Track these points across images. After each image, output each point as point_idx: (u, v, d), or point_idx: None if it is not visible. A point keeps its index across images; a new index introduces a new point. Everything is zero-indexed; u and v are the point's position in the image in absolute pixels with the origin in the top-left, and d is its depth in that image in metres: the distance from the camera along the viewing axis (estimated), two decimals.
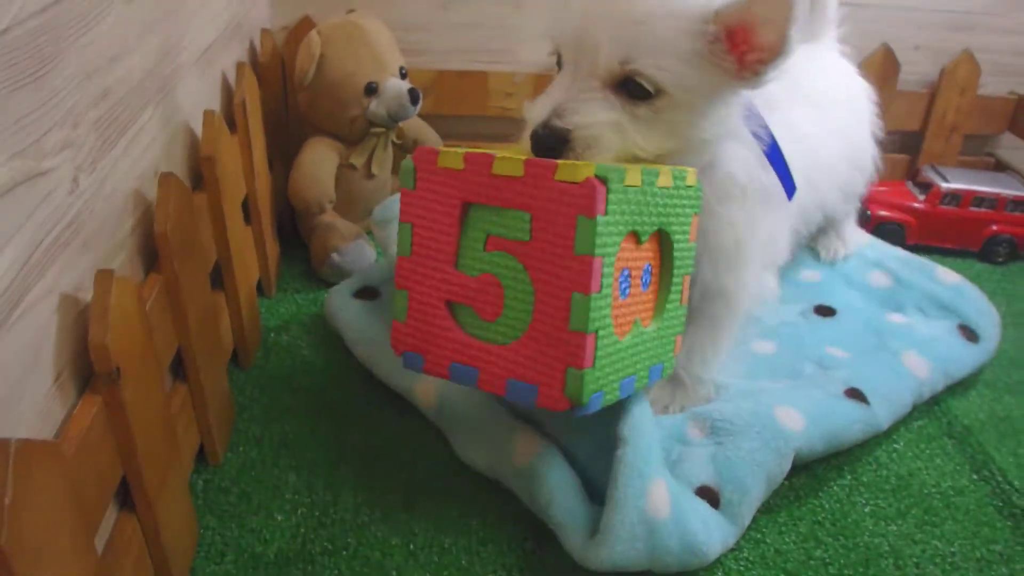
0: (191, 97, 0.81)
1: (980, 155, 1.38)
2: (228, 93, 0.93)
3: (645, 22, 0.61)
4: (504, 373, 0.61)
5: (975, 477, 0.82)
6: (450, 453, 0.77)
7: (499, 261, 0.61)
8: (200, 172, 0.79)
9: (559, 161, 0.58)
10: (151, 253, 0.67)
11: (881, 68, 1.24)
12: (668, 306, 0.67)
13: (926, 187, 1.23)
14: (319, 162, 1.01)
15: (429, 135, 1.15)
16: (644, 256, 0.64)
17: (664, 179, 0.63)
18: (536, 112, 0.65)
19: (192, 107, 0.81)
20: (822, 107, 0.87)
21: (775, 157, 0.74)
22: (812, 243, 1.10)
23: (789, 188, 0.75)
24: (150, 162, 0.69)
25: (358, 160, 1.05)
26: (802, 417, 0.76)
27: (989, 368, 0.98)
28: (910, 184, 1.26)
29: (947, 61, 1.27)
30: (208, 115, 0.79)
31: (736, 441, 0.73)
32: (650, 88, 0.63)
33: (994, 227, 1.21)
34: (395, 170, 1.16)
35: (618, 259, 0.60)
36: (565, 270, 0.57)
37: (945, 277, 1.04)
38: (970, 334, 0.96)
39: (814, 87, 0.86)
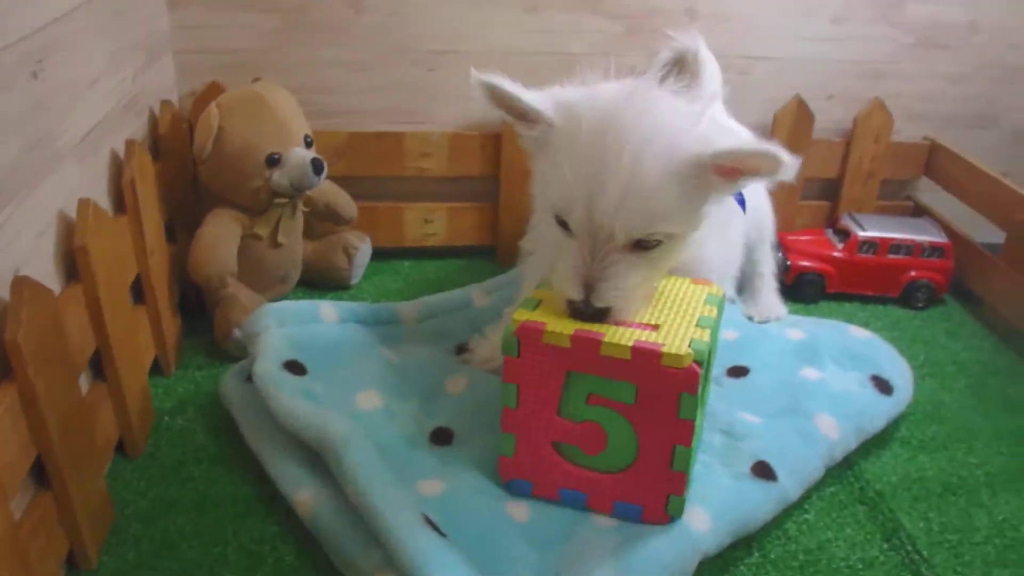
0: (68, 184, 0.77)
1: (900, 199, 1.39)
2: (119, 171, 0.90)
3: (650, 194, 0.66)
4: (611, 496, 0.74)
5: (886, 547, 0.80)
6: None
7: (601, 412, 0.71)
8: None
9: (662, 348, 0.67)
10: (4, 361, 0.63)
11: (795, 118, 1.24)
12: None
13: (845, 235, 1.23)
14: (219, 235, 0.98)
15: (341, 198, 1.13)
16: None
17: (711, 309, 0.74)
18: (567, 288, 0.71)
19: (70, 194, 0.78)
20: None
21: None
22: (739, 300, 1.13)
23: (742, 204, 0.90)
24: (11, 263, 0.66)
25: (263, 230, 1.02)
26: (708, 515, 0.74)
27: (904, 424, 0.97)
28: (829, 232, 1.26)
29: (860, 109, 1.28)
30: (83, 203, 0.76)
31: (643, 539, 0.71)
32: (663, 239, 0.70)
33: (912, 273, 1.21)
34: (307, 235, 1.14)
35: None
36: (669, 429, 0.69)
37: (857, 334, 1.04)
38: (884, 385, 0.95)
39: None
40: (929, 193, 1.37)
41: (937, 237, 1.22)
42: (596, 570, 0.68)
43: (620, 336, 0.68)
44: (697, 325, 0.71)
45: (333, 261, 1.14)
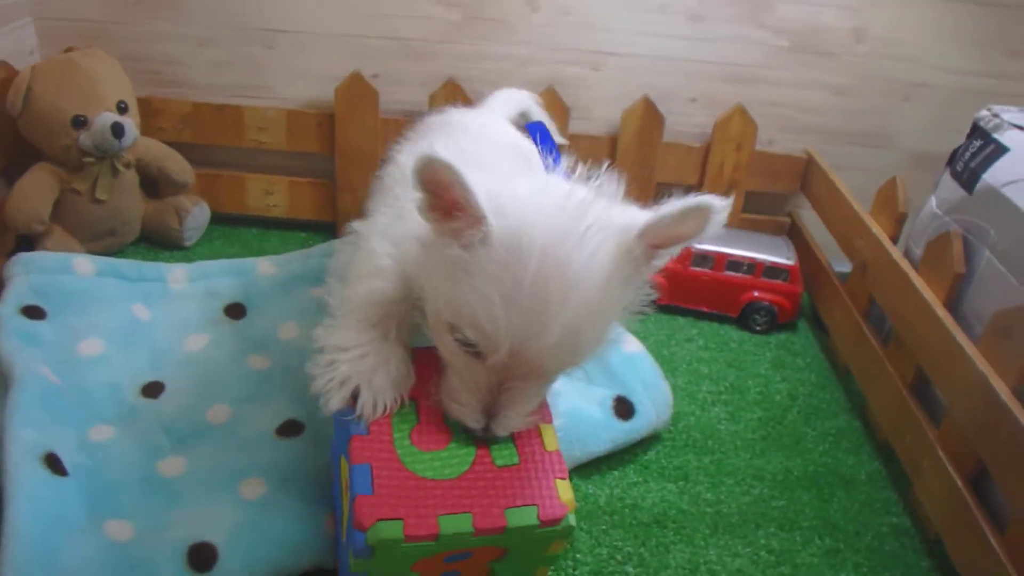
0: None
1: (780, 214, 1.34)
2: None
3: (592, 330, 0.61)
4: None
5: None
6: None
7: None
8: None
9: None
10: None
11: (643, 119, 1.23)
12: None
13: None
14: (32, 185, 1.12)
15: (174, 163, 1.24)
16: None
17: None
18: (466, 415, 0.65)
19: None
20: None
21: None
22: None
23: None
24: None
25: (81, 186, 1.15)
26: None
27: (654, 448, 0.96)
28: None
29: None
30: None
31: None
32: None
33: (754, 293, 1.17)
34: (151, 195, 1.26)
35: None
36: None
37: (627, 345, 1.02)
38: (625, 408, 0.94)
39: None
40: (809, 211, 1.30)
41: (782, 258, 1.17)
42: None
43: None
44: None
45: (166, 221, 1.26)
